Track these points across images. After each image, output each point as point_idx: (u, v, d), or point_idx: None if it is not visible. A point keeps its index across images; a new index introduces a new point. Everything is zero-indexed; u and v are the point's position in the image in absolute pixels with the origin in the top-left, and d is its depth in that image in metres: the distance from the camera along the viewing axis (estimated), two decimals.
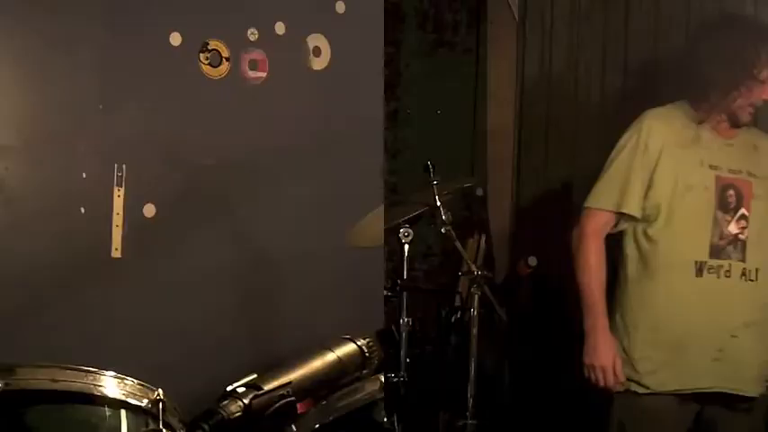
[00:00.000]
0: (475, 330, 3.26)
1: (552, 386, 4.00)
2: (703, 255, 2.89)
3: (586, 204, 3.01)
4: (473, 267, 3.31)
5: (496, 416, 4.09)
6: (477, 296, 3.26)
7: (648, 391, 2.93)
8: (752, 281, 2.90)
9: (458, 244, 3.29)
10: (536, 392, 4.09)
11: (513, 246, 4.19)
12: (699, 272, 2.89)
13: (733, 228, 2.90)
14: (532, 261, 3.97)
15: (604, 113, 3.99)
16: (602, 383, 2.92)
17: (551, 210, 4.11)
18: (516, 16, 4.17)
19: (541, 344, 4.05)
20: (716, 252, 2.89)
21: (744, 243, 2.90)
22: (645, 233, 2.95)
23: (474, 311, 3.26)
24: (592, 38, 3.99)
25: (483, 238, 4.12)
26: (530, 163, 4.15)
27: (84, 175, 3.14)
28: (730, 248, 2.90)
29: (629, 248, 2.99)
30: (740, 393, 2.91)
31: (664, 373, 2.92)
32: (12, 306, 2.95)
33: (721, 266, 2.89)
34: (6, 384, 1.78)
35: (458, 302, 3.66)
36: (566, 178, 4.06)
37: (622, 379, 2.92)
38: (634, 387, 2.95)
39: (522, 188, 4.18)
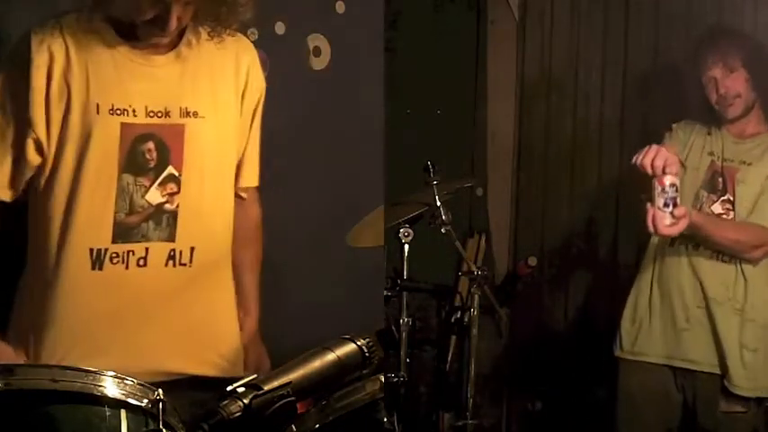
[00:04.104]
0: (475, 330, 3.27)
1: (552, 385, 4.01)
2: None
3: None
4: (473, 267, 3.31)
5: (496, 416, 4.10)
6: (477, 296, 3.27)
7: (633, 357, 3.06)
8: (724, 261, 2.98)
9: (458, 244, 3.30)
10: (536, 392, 4.09)
11: (513, 246, 4.20)
12: (671, 243, 3.00)
13: (717, 208, 3.00)
14: (532, 261, 3.98)
15: (604, 113, 4.00)
16: None
17: (551, 210, 4.12)
18: (516, 16, 4.17)
19: (541, 343, 4.06)
20: None
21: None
22: None
23: (474, 311, 3.26)
24: (592, 38, 3.99)
25: (483, 238, 4.12)
26: (530, 163, 4.16)
27: None
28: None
29: None
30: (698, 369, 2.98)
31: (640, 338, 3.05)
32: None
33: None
34: (6, 384, 1.78)
35: (458, 302, 3.66)
36: (566, 178, 4.07)
37: None
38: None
39: (522, 188, 4.18)
